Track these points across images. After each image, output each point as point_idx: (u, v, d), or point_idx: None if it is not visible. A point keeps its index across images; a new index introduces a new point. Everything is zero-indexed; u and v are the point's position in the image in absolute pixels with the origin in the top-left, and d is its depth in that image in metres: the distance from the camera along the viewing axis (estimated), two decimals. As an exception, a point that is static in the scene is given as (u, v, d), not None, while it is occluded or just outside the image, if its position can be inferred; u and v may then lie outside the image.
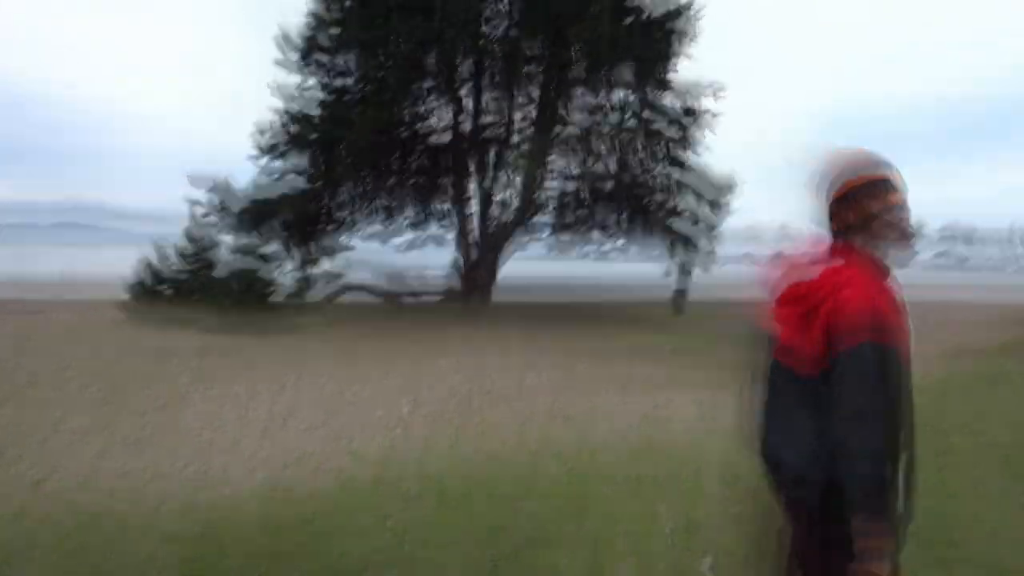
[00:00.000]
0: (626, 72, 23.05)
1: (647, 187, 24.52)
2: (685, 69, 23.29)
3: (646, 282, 28.45)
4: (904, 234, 2.18)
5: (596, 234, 27.19)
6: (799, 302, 2.23)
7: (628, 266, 29.89)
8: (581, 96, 24.10)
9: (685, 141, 23.66)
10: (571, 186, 25.59)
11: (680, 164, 23.99)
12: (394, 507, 5.63)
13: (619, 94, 23.99)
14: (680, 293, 27.74)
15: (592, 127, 24.19)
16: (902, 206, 2.18)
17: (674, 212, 24.59)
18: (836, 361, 2.10)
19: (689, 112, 23.47)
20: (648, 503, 5.76)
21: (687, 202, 24.10)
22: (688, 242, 24.77)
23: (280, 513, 5.55)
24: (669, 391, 10.78)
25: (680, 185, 23.99)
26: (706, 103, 23.46)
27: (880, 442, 2.01)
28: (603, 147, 23.87)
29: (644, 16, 22.13)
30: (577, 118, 24.48)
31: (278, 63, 22.39)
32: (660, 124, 23.78)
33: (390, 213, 25.95)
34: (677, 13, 22.55)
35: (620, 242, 27.24)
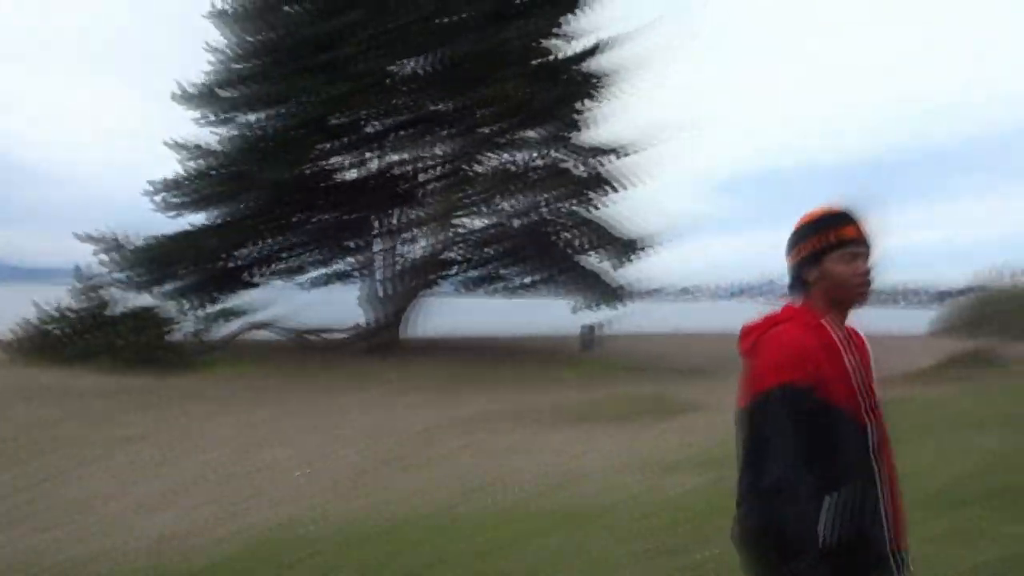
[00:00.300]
0: (535, 129, 23.66)
1: (555, 228, 24.77)
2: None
3: (556, 319, 28.62)
4: (841, 285, 2.17)
5: (505, 271, 27.24)
6: (745, 338, 2.23)
7: (539, 303, 30.07)
8: (491, 144, 24.32)
9: (593, 186, 24.05)
10: (480, 224, 25.64)
11: (587, 206, 24.36)
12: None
13: (530, 140, 24.40)
14: (588, 329, 28.06)
15: (501, 172, 24.42)
16: (845, 257, 2.16)
17: (582, 251, 24.91)
18: (752, 401, 2.09)
19: (595, 176, 23.98)
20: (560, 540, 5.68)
21: (595, 242, 24.43)
22: (596, 279, 25.08)
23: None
24: (575, 426, 10.78)
25: (588, 226, 24.32)
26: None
27: (790, 485, 2.00)
28: (512, 189, 24.04)
29: (553, 72, 22.66)
30: (487, 163, 24.69)
31: (178, 117, 22.31)
32: (567, 166, 24.25)
33: (296, 252, 25.46)
34: (579, 59, 23.06)
35: (529, 279, 27.33)
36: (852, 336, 2.23)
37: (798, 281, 2.26)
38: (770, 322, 2.21)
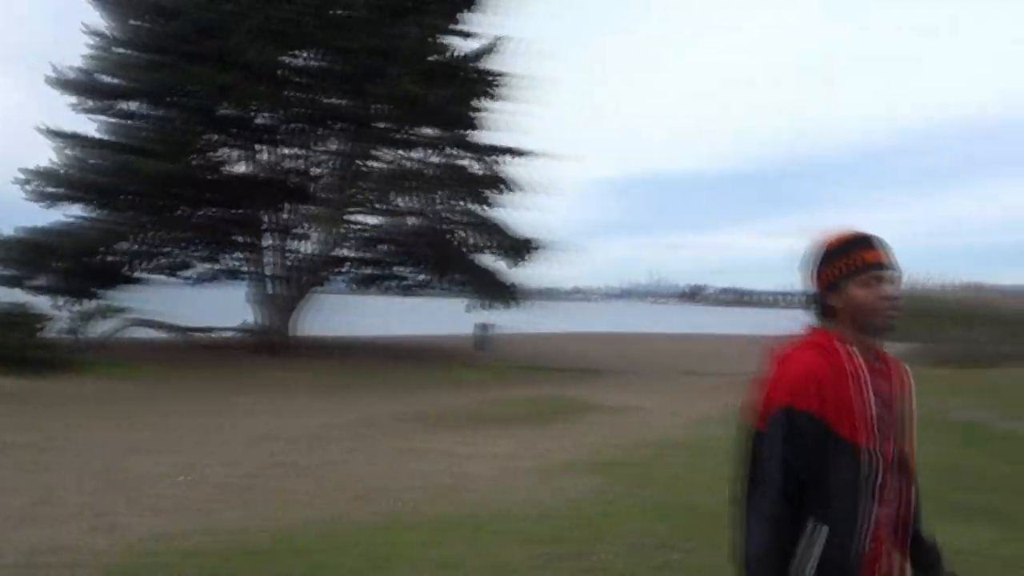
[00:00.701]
0: (428, 125, 23.57)
1: (450, 226, 24.69)
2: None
3: (450, 318, 28.54)
4: (866, 309, 2.11)
5: (399, 270, 26.99)
6: (771, 359, 2.18)
7: (433, 302, 29.96)
8: (385, 140, 24.06)
9: (489, 185, 24.09)
10: (373, 221, 25.32)
11: (483, 205, 24.39)
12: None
13: (423, 139, 24.29)
14: (482, 328, 28.08)
15: (396, 169, 24.21)
16: (869, 281, 2.10)
17: (476, 250, 24.90)
18: (755, 421, 2.07)
19: (491, 176, 24.05)
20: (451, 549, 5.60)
21: (489, 241, 24.45)
22: (490, 279, 25.11)
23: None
24: (470, 428, 10.74)
25: (483, 226, 24.32)
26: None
27: (766, 507, 1.99)
28: (406, 187, 23.84)
29: (450, 70, 22.59)
30: (382, 160, 24.43)
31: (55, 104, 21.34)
32: (463, 164, 24.25)
33: (181, 247, 24.54)
34: (476, 57, 23.06)
35: (422, 278, 27.18)
36: (886, 364, 2.18)
37: (822, 306, 2.21)
38: (793, 345, 2.18)
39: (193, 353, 21.13)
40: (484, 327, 27.99)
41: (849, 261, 2.13)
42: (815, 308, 2.23)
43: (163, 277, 24.95)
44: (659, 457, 8.86)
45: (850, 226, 2.21)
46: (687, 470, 8.16)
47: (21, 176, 20.75)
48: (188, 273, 25.67)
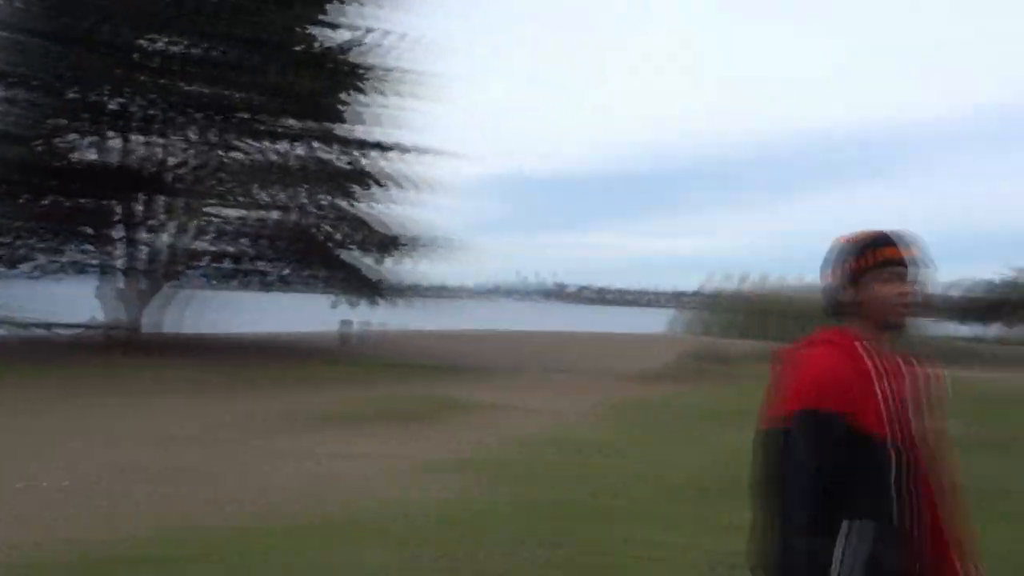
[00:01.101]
0: (293, 117, 22.97)
1: (316, 221, 24.14)
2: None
3: (315, 315, 27.95)
4: (881, 306, 2.10)
5: (262, 264, 26.14)
6: (779, 359, 2.14)
7: (297, 298, 29.14)
8: (248, 131, 23.29)
9: (355, 181, 23.69)
10: (234, 214, 24.39)
11: (350, 201, 23.96)
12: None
13: (288, 130, 23.65)
14: (348, 325, 27.58)
15: (259, 160, 23.48)
16: (885, 277, 2.11)
17: (343, 246, 24.45)
18: (776, 424, 2.04)
19: (360, 171, 23.68)
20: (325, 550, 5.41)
21: (356, 237, 24.05)
22: (357, 275, 24.71)
23: None
24: (336, 428, 10.51)
25: (350, 221, 23.90)
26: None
27: (799, 512, 1.96)
28: (270, 179, 23.13)
29: (318, 61, 22.08)
30: (245, 151, 23.62)
31: None
32: (329, 157, 23.76)
33: (21, 238, 22.92)
34: (346, 50, 22.65)
35: (286, 273, 26.42)
36: (905, 361, 2.17)
37: (836, 303, 2.21)
38: (804, 344, 2.16)
39: (35, 351, 19.81)
40: (350, 324, 27.50)
41: (865, 257, 2.14)
42: (832, 305, 2.23)
43: (1, 269, 23.28)
44: (531, 455, 8.89)
45: (870, 226, 2.21)
46: (559, 468, 8.21)
47: None
48: (29, 265, 24.04)
